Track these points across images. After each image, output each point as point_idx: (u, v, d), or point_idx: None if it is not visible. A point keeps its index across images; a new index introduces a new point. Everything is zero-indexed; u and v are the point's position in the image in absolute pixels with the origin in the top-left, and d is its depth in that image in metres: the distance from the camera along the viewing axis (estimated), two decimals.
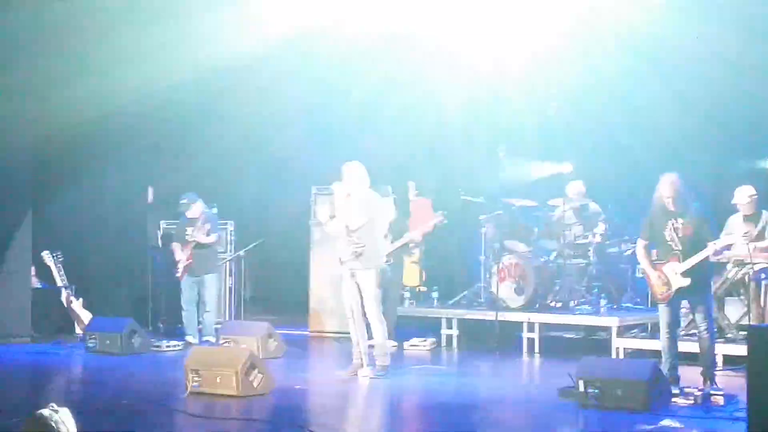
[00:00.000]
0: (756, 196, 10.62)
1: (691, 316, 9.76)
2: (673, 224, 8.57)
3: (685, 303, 9.07)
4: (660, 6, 12.43)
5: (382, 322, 9.67)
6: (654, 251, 8.85)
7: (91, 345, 11.43)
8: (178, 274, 12.27)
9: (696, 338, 9.72)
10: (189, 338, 12.10)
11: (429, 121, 15.84)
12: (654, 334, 11.00)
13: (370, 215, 9.59)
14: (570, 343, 12.93)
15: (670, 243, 8.60)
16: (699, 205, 8.72)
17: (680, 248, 8.54)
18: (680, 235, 8.55)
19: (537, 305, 12.21)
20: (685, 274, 8.51)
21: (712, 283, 9.13)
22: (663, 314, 8.75)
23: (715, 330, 9.20)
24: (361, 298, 9.59)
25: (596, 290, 12.45)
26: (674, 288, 8.57)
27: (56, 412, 4.50)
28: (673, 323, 8.79)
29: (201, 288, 12.17)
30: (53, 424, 4.45)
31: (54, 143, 13.04)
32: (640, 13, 13.07)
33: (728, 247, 8.70)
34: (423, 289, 13.55)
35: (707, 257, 8.58)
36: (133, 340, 11.36)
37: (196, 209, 12.33)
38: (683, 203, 8.53)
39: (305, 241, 13.77)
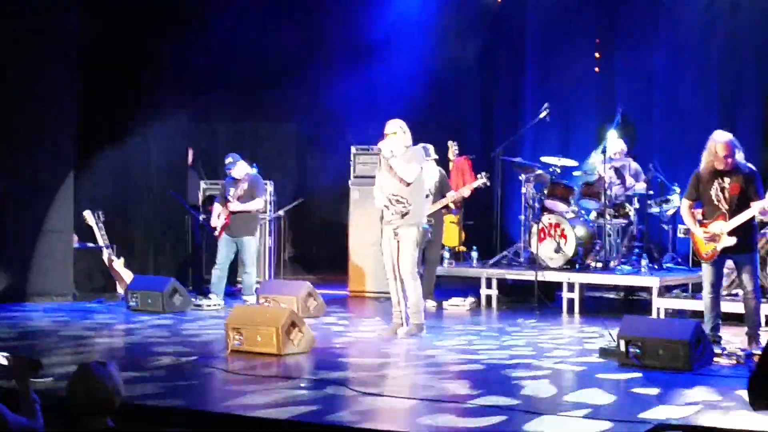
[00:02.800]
0: None
1: (732, 276, 9.68)
2: (719, 183, 8.48)
3: (729, 263, 8.98)
4: None
5: (416, 279, 9.62)
6: (700, 210, 8.76)
7: (132, 304, 11.52)
8: (216, 233, 12.26)
9: (738, 298, 9.69)
10: (213, 297, 12.00)
11: (471, 80, 15.85)
12: (695, 294, 10.96)
13: (422, 164, 9.62)
14: (610, 303, 12.89)
15: (716, 202, 8.51)
16: (747, 165, 8.62)
17: (727, 207, 8.46)
18: (727, 194, 8.46)
19: (577, 265, 12.17)
20: (731, 233, 8.43)
21: (758, 240, 9.03)
22: (706, 274, 8.68)
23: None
24: (398, 254, 9.56)
25: (637, 250, 12.39)
26: (720, 247, 8.48)
27: (104, 365, 4.54)
28: (717, 283, 8.71)
29: (239, 249, 12.16)
30: (103, 377, 4.48)
31: (97, 104, 13.12)
32: None
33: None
34: (463, 249, 13.53)
35: (753, 217, 8.50)
36: (175, 299, 11.44)
37: (239, 170, 12.28)
38: (732, 162, 8.43)
39: (345, 200, 13.78)
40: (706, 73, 14.00)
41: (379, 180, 9.70)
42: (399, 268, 9.60)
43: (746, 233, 8.54)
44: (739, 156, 8.56)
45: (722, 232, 8.46)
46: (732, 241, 8.45)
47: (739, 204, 8.45)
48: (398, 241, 9.55)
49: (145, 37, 13.71)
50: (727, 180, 8.47)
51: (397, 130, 9.60)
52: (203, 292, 12.49)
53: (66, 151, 12.64)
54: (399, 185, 9.51)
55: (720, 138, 8.49)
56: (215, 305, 11.84)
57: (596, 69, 14.81)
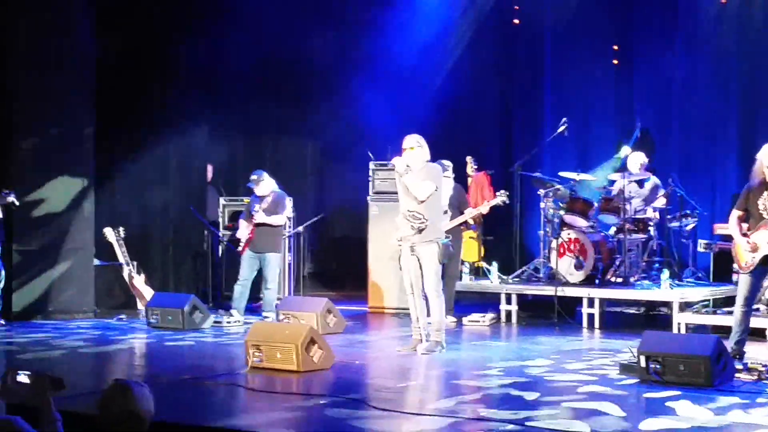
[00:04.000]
0: None
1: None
2: None
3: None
4: None
5: (440, 297, 9.61)
6: (746, 224, 8.70)
7: (153, 321, 11.55)
8: (240, 248, 12.28)
9: (759, 314, 9.65)
10: (234, 312, 12.00)
11: (489, 95, 15.87)
12: (716, 309, 10.91)
13: (436, 183, 9.54)
14: (631, 318, 12.85)
15: (762, 213, 8.47)
16: None
17: None
18: None
19: (597, 280, 12.13)
20: None
21: None
22: (742, 285, 8.63)
23: None
24: (422, 272, 9.56)
25: (657, 265, 12.35)
26: (759, 256, 8.43)
27: (141, 385, 4.55)
28: (751, 297, 8.67)
29: (262, 265, 12.18)
30: (140, 397, 4.50)
31: (115, 120, 13.20)
32: None
33: None
34: (482, 264, 13.51)
35: None
36: (195, 316, 11.45)
37: (264, 187, 12.28)
38: None
39: (364, 216, 13.79)
40: (725, 84, 13.99)
41: (399, 186, 9.66)
42: (423, 285, 9.58)
43: None
44: None
45: (764, 241, 8.41)
46: None
47: None
48: (418, 258, 9.53)
49: (164, 53, 13.80)
50: None
51: (414, 145, 9.58)
52: (224, 307, 12.51)
53: (86, 167, 12.71)
54: (415, 201, 9.50)
55: (766, 150, 8.48)
56: (235, 322, 11.85)
57: (614, 62, 14.72)
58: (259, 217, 12.10)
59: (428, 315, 9.73)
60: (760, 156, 8.50)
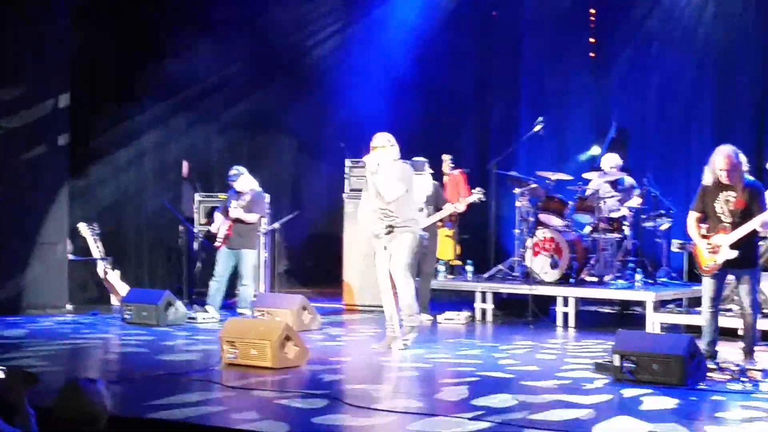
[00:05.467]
0: None
1: (727, 291, 9.68)
2: (724, 196, 8.48)
3: (729, 277, 8.97)
4: None
5: (409, 282, 9.48)
6: (705, 225, 8.74)
7: (127, 316, 11.51)
8: (217, 244, 12.27)
9: (731, 314, 9.72)
10: (210, 309, 12.00)
11: (465, 93, 15.90)
12: (690, 309, 10.97)
13: (406, 185, 9.49)
14: (605, 317, 12.90)
15: (720, 215, 8.52)
16: (753, 180, 8.64)
17: (730, 221, 8.47)
18: (732, 208, 8.46)
19: (572, 279, 12.18)
20: (733, 246, 8.43)
21: (759, 256, 9.03)
22: (707, 287, 8.68)
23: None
24: (391, 262, 9.49)
25: (631, 265, 12.41)
26: (720, 260, 8.49)
27: (93, 381, 4.55)
28: (716, 297, 8.71)
29: (238, 262, 12.17)
30: (91, 393, 4.49)
31: (91, 116, 13.15)
32: None
33: None
34: (457, 262, 13.53)
35: (756, 231, 8.50)
36: (169, 312, 11.41)
37: (243, 182, 12.28)
38: (736, 176, 8.44)
39: (339, 213, 13.78)
40: (700, 87, 14.08)
41: (369, 184, 9.64)
42: (392, 270, 9.52)
43: (748, 248, 8.54)
44: (743, 171, 8.55)
45: (724, 244, 8.47)
46: (733, 254, 8.45)
47: (743, 218, 8.45)
48: (391, 251, 9.49)
49: (139, 46, 13.74)
50: (732, 194, 8.48)
51: (384, 144, 9.53)
52: (199, 303, 12.48)
53: (60, 162, 12.64)
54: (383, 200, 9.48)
55: (720, 151, 8.50)
56: (210, 318, 11.82)
57: (592, 60, 14.79)
58: (235, 212, 12.09)
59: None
60: (714, 158, 8.52)
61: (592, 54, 14.90)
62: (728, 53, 13.84)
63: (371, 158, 9.51)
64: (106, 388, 4.60)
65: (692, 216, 8.79)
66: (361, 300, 13.28)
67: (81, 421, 4.44)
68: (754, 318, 8.71)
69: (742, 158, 8.58)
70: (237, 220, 12.16)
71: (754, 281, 8.66)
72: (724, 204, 8.51)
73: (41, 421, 4.88)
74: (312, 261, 16.01)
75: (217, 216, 12.38)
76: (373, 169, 9.47)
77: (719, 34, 13.91)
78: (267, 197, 12.94)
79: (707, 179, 8.59)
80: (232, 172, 12.33)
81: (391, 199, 9.40)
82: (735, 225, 8.47)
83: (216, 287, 12.16)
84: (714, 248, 8.53)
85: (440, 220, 12.19)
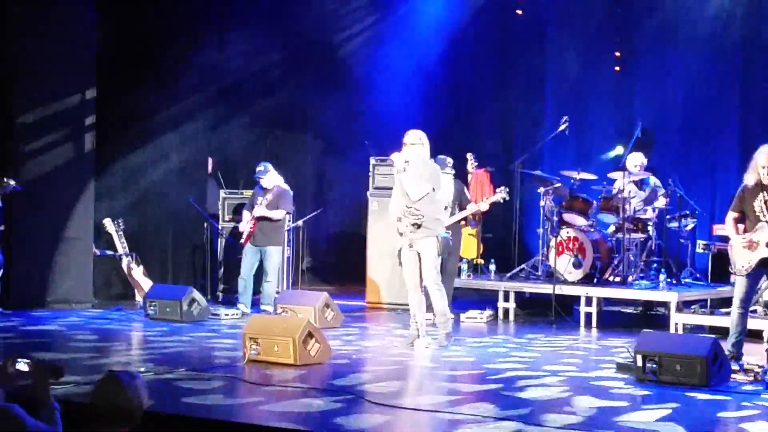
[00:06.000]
0: None
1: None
2: (764, 197, 8.44)
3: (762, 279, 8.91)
4: None
5: (441, 289, 9.63)
6: (742, 225, 8.68)
7: (151, 312, 11.55)
8: (242, 241, 12.34)
9: (756, 315, 9.67)
10: (241, 307, 12.14)
11: (490, 92, 15.88)
12: (714, 310, 10.93)
13: (433, 185, 9.51)
14: (628, 317, 12.87)
15: (759, 215, 8.47)
16: None
17: None
18: None
19: (595, 279, 12.15)
20: None
21: None
22: (739, 286, 8.62)
23: None
24: (420, 266, 9.55)
25: (655, 265, 12.37)
26: (756, 258, 8.43)
27: (133, 376, 4.57)
28: (747, 299, 8.66)
29: (263, 258, 12.23)
30: (131, 387, 4.51)
31: (116, 112, 13.20)
32: None
33: None
34: (481, 261, 13.52)
35: None
36: (193, 308, 11.45)
37: (269, 179, 12.35)
38: None
39: (363, 211, 13.79)
40: (726, 86, 13.99)
41: (397, 182, 9.67)
42: (423, 279, 9.59)
43: None
44: None
45: (762, 241, 8.41)
46: None
47: None
48: (418, 253, 9.53)
49: (164, 44, 13.78)
50: None
51: (416, 141, 9.56)
52: (224, 302, 12.53)
53: (86, 158, 12.72)
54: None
55: (764, 149, 8.47)
56: (234, 314, 11.88)
57: (616, 69, 14.76)
58: (259, 210, 12.16)
59: (428, 310, 9.75)
60: (756, 156, 8.50)
61: (617, 53, 14.84)
62: (755, 55, 13.76)
63: (399, 156, 9.53)
64: (145, 383, 4.62)
65: (730, 216, 8.74)
66: (384, 298, 13.29)
67: (117, 413, 4.46)
68: None
69: None
70: (262, 218, 12.21)
71: None
72: (764, 204, 8.46)
73: (71, 414, 4.91)
74: (336, 258, 16.04)
75: (245, 213, 12.45)
76: (401, 167, 9.48)
77: (746, 35, 13.83)
78: (291, 193, 12.96)
79: (749, 179, 8.54)
80: (259, 168, 12.40)
81: (416, 198, 9.42)
82: None
83: (244, 285, 12.26)
84: (750, 244, 8.47)
85: (464, 219, 12.17)
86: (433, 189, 9.52)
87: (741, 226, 8.69)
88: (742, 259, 8.55)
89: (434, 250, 9.51)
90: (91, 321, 11.37)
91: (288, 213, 12.79)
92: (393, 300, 13.04)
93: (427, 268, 9.54)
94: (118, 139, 13.55)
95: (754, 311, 9.92)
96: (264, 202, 12.24)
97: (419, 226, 9.45)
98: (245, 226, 12.30)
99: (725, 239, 10.84)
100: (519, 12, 15.54)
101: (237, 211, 13.41)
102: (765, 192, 8.46)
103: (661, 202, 12.62)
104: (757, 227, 8.48)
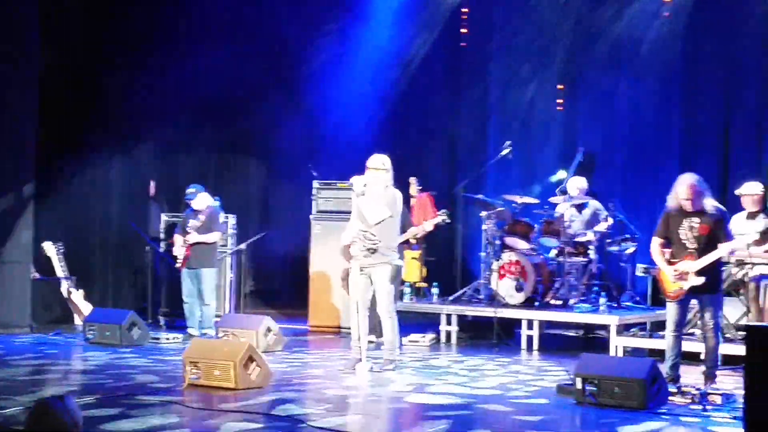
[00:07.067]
0: (761, 194, 10.69)
1: (689, 316, 9.74)
2: (689, 223, 8.56)
3: (692, 302, 9.03)
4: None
5: (393, 318, 9.66)
6: (668, 250, 8.80)
7: (90, 336, 11.43)
8: (178, 265, 12.27)
9: (694, 338, 9.80)
10: (190, 330, 12.11)
11: (434, 116, 15.96)
12: (653, 333, 11.03)
13: (392, 211, 9.53)
14: (569, 340, 12.94)
15: (684, 242, 8.59)
16: (717, 206, 8.71)
17: (695, 247, 8.54)
18: (696, 234, 8.54)
19: (536, 302, 12.22)
20: (698, 272, 8.50)
21: (722, 282, 9.11)
22: (671, 312, 8.74)
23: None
24: (374, 293, 9.56)
25: (596, 288, 12.47)
26: (687, 286, 8.55)
27: (62, 399, 4.53)
28: (680, 322, 8.78)
29: (199, 281, 12.15)
30: (62, 412, 4.47)
31: (58, 134, 13.07)
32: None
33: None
34: (423, 284, 13.55)
35: (720, 257, 8.58)
36: (133, 332, 11.34)
37: (200, 201, 12.29)
38: (700, 204, 8.52)
39: (306, 235, 13.76)
40: (667, 112, 14.17)
41: (354, 205, 9.66)
42: (377, 305, 9.60)
43: (712, 274, 8.63)
44: (707, 198, 8.62)
45: (690, 270, 8.53)
46: (700, 280, 8.52)
47: (708, 244, 8.53)
48: (370, 278, 9.53)
49: (107, 65, 13.68)
50: (696, 220, 8.56)
51: (378, 166, 9.57)
52: (164, 324, 12.44)
53: (26, 180, 12.57)
54: (366, 223, 9.50)
55: (683, 180, 8.59)
56: (174, 338, 11.79)
57: (559, 87, 14.93)
58: (192, 237, 12.11)
59: (371, 332, 9.76)
60: (676, 187, 8.62)
61: (560, 76, 14.98)
62: (692, 82, 13.96)
63: (359, 179, 9.54)
64: (77, 406, 4.57)
65: (656, 242, 8.87)
66: (327, 321, 13.24)
67: None
68: (717, 342, 8.77)
69: (705, 185, 8.65)
70: (196, 242, 12.15)
71: (716, 306, 8.74)
72: (689, 230, 8.59)
73: None
74: (278, 282, 15.98)
75: (177, 237, 12.38)
76: (360, 190, 9.49)
77: (684, 62, 14.03)
78: (226, 215, 12.92)
79: (671, 205, 8.67)
80: (190, 190, 12.35)
81: (374, 222, 9.42)
82: (700, 251, 8.54)
83: (189, 309, 12.22)
84: (680, 275, 8.60)
85: (406, 242, 12.19)
86: (392, 216, 9.52)
87: (666, 251, 8.80)
88: (672, 286, 8.67)
89: (388, 279, 9.53)
90: (29, 345, 11.21)
91: (222, 234, 12.73)
92: (336, 323, 13.02)
93: (381, 296, 9.55)
94: (59, 162, 13.41)
95: (692, 334, 10.03)
96: (196, 224, 12.17)
97: (374, 252, 9.45)
98: (179, 250, 12.24)
99: None
100: (463, 44, 15.67)
101: (171, 232, 13.29)
102: (690, 219, 8.59)
103: (601, 226, 12.74)
104: (685, 255, 8.58)
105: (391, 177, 9.68)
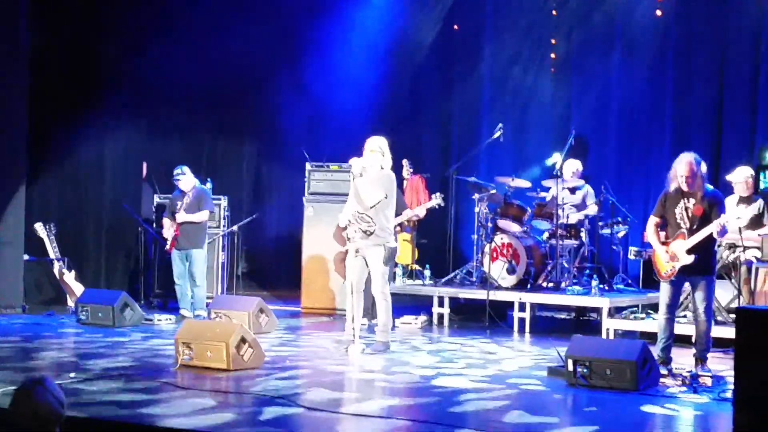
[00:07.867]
0: (752, 179, 10.72)
1: (681, 298, 9.76)
2: (685, 204, 8.58)
3: (686, 285, 9.05)
4: None
5: (387, 300, 9.71)
6: (664, 233, 8.83)
7: (82, 317, 11.44)
8: (167, 248, 12.27)
9: (685, 320, 9.83)
10: (183, 311, 12.13)
11: (427, 98, 15.95)
12: (645, 315, 11.06)
13: (388, 192, 9.56)
14: (561, 323, 12.98)
15: (679, 222, 8.61)
16: (713, 189, 8.73)
17: (688, 227, 8.56)
18: (691, 215, 8.56)
19: (528, 285, 12.25)
20: (690, 251, 8.52)
21: (716, 265, 9.11)
22: (664, 293, 8.76)
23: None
24: (369, 274, 9.61)
25: (588, 271, 12.50)
26: (678, 266, 8.56)
27: (41, 382, 4.53)
28: (673, 304, 8.79)
29: (190, 263, 12.15)
30: (42, 397, 4.47)
31: (50, 115, 13.05)
32: None
33: (726, 229, 8.67)
34: (416, 267, 13.58)
35: (713, 237, 8.57)
36: (125, 313, 11.36)
37: (186, 182, 12.28)
38: (697, 184, 8.54)
39: (299, 217, 13.77)
40: (660, 95, 14.16)
41: (352, 187, 9.68)
42: (372, 286, 9.67)
43: (705, 255, 8.62)
44: (703, 178, 8.62)
45: (682, 250, 8.55)
46: (690, 259, 8.52)
47: (701, 225, 8.53)
48: (365, 260, 9.57)
49: (100, 49, 13.66)
50: (692, 201, 8.58)
51: (375, 149, 9.62)
52: (157, 305, 12.45)
53: (18, 161, 12.54)
54: (363, 205, 9.53)
55: (682, 158, 8.60)
56: (167, 319, 11.81)
57: (552, 70, 14.91)
58: (181, 216, 12.12)
59: (365, 314, 9.78)
60: (675, 165, 8.64)
61: (553, 59, 14.98)
62: (684, 65, 13.96)
63: (358, 161, 9.57)
64: (59, 389, 4.57)
65: (652, 221, 8.89)
66: (319, 303, 13.27)
67: (36, 423, 4.42)
68: (709, 325, 8.78)
69: (703, 167, 8.67)
70: (185, 222, 12.15)
71: (709, 288, 8.74)
72: (684, 211, 8.61)
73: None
74: (271, 264, 16.00)
75: (166, 220, 12.39)
76: (357, 172, 9.51)
77: (676, 45, 14.02)
78: (218, 198, 12.90)
79: (669, 186, 8.69)
80: (177, 171, 12.35)
81: (370, 204, 9.46)
82: (693, 232, 8.56)
83: (180, 290, 12.22)
84: (672, 255, 8.61)
85: (399, 225, 12.21)
86: (386, 197, 9.54)
87: (663, 233, 8.82)
88: (665, 266, 8.69)
89: (381, 260, 9.57)
90: (21, 326, 11.22)
91: (211, 212, 12.73)
92: (328, 305, 13.05)
93: (375, 277, 9.62)
94: (51, 143, 13.39)
95: (684, 317, 10.07)
96: (184, 205, 12.17)
97: (370, 234, 9.49)
98: (168, 232, 12.24)
99: None
100: (455, 27, 15.66)
101: (160, 212, 13.29)
102: (685, 199, 8.61)
103: (593, 209, 12.77)
104: (678, 234, 8.60)
105: (389, 159, 9.70)
